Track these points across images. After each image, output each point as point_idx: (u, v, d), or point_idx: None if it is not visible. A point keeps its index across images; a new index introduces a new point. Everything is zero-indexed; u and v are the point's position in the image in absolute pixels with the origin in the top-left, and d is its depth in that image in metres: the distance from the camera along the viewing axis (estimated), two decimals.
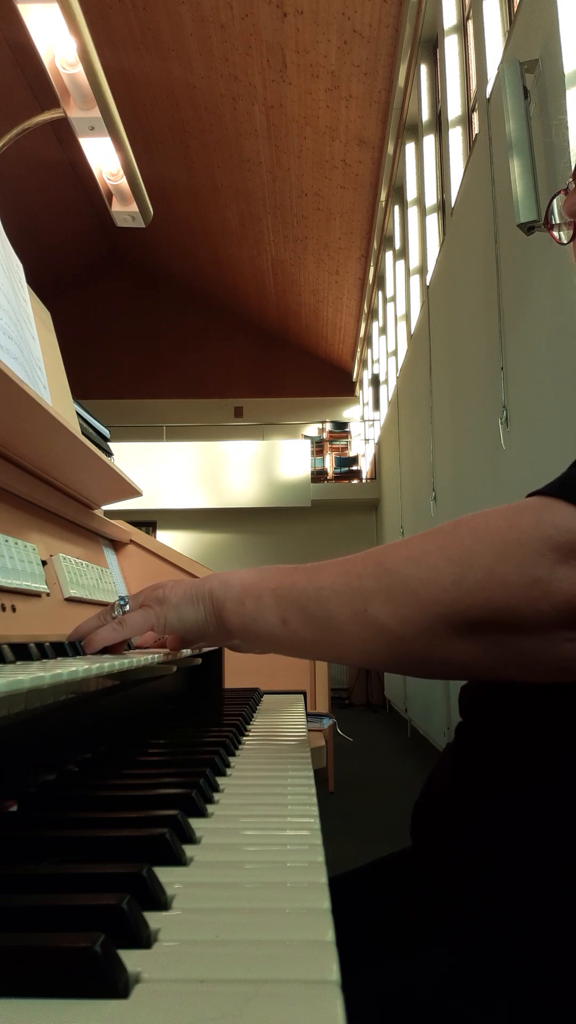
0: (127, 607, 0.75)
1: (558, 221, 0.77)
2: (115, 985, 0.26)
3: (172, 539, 12.61)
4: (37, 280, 2.62)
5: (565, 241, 0.77)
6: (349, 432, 14.81)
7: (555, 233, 0.77)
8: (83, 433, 1.28)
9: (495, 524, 0.53)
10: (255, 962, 0.29)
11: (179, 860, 0.40)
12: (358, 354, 15.22)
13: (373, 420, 13.43)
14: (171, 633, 0.75)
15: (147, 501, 11.59)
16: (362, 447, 14.51)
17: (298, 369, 16.07)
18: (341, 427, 14.87)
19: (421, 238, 8.45)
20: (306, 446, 13.02)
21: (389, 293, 10.98)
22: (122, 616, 0.74)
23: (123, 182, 1.85)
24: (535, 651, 0.53)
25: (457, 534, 0.55)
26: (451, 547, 0.54)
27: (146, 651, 0.84)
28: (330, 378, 16.16)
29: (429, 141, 8.08)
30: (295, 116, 9.66)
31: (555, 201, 0.77)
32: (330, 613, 0.60)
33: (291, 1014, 0.25)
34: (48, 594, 0.87)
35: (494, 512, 0.54)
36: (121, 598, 0.76)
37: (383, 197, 10.40)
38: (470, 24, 6.15)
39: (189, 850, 0.41)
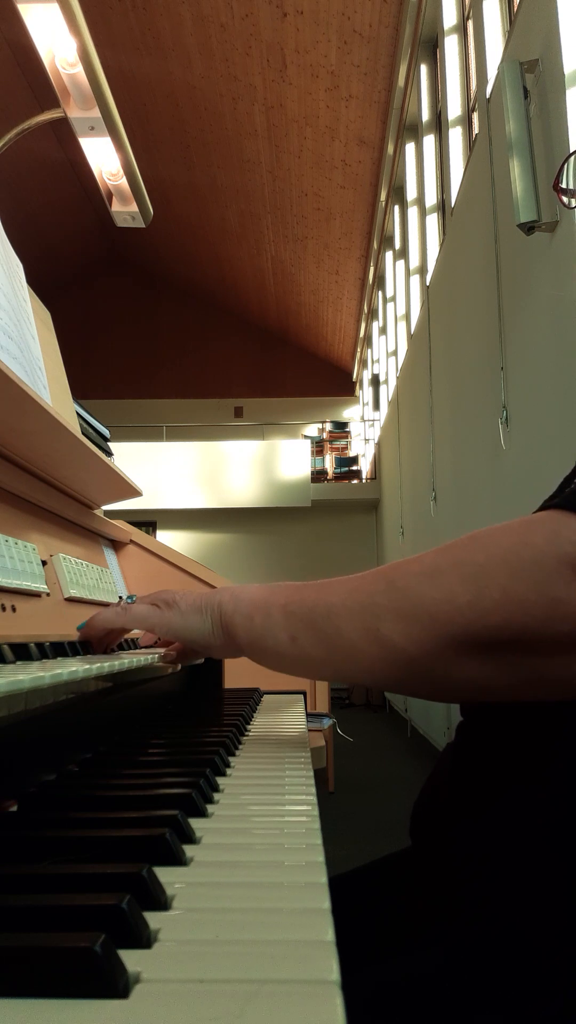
0: (135, 602, 0.76)
1: (571, 186, 0.76)
2: (115, 985, 0.26)
3: (172, 539, 12.61)
4: (37, 280, 2.62)
5: (573, 205, 0.76)
6: (349, 432, 14.81)
7: (564, 198, 0.76)
8: (83, 433, 1.28)
9: (508, 541, 0.52)
10: (255, 962, 0.28)
11: (179, 860, 0.40)
12: (358, 354, 15.23)
13: (373, 420, 13.44)
14: (173, 638, 0.75)
15: (147, 501, 11.59)
16: (362, 447, 14.51)
17: (298, 369, 16.08)
18: (341, 427, 14.87)
19: (421, 238, 8.46)
20: (306, 446, 13.02)
21: (389, 293, 10.98)
22: (128, 604, 0.75)
23: (123, 182, 1.85)
24: (552, 672, 0.52)
25: (470, 551, 0.53)
26: (464, 565, 0.53)
27: (146, 651, 0.84)
28: (330, 378, 16.17)
29: (429, 141, 8.08)
30: (295, 116, 9.66)
31: (571, 161, 0.75)
32: (340, 631, 0.59)
33: (291, 1014, 0.25)
34: (48, 594, 0.87)
35: (507, 528, 0.53)
36: (130, 596, 0.76)
37: (383, 197, 10.40)
38: (470, 24, 6.15)
39: (189, 850, 0.41)
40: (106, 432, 1.70)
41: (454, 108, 6.82)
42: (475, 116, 6.21)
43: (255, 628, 0.66)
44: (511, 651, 0.52)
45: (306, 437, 14.11)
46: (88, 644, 0.82)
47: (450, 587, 0.52)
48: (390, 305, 10.96)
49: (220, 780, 0.58)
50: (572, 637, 0.49)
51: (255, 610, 0.66)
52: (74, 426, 1.05)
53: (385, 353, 11.83)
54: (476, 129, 6.04)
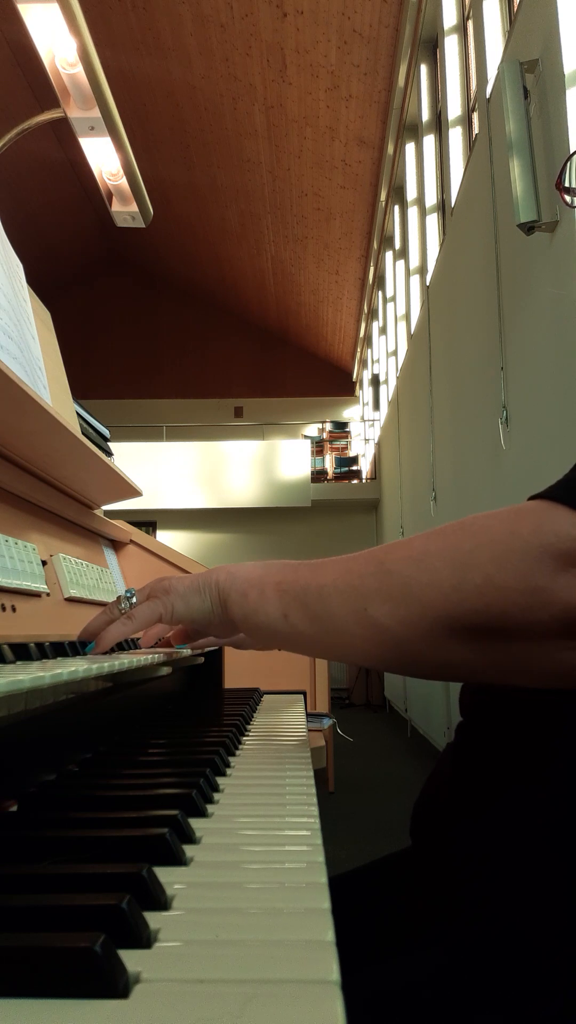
0: (134, 599, 0.75)
1: (574, 185, 0.77)
2: (115, 985, 0.26)
3: (172, 539, 12.61)
4: (37, 280, 2.62)
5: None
6: (349, 432, 14.81)
7: (567, 197, 0.78)
8: (83, 433, 1.28)
9: (496, 529, 0.53)
10: (255, 962, 0.28)
11: (179, 860, 0.39)
12: (358, 354, 15.22)
13: (373, 420, 13.43)
14: (178, 622, 0.76)
15: (147, 501, 11.59)
16: (362, 447, 14.51)
17: (298, 369, 16.07)
18: (341, 427, 14.87)
19: (421, 238, 8.45)
20: (306, 446, 13.02)
21: (389, 293, 10.98)
22: (131, 611, 0.74)
23: (123, 182, 1.85)
24: (534, 658, 0.53)
25: (458, 537, 0.54)
26: (452, 550, 0.54)
27: (146, 651, 0.84)
28: (330, 378, 16.16)
29: (429, 141, 8.08)
30: (295, 116, 9.66)
31: (574, 160, 0.77)
32: (330, 611, 0.60)
33: (291, 1014, 0.25)
34: (48, 594, 0.87)
35: (495, 515, 0.54)
36: (128, 590, 0.76)
37: (383, 197, 10.40)
38: (470, 24, 6.15)
39: (189, 850, 0.41)
40: (106, 432, 1.70)
41: (454, 108, 6.82)
42: (475, 116, 6.21)
43: (248, 604, 0.67)
44: (494, 636, 0.53)
45: (306, 437, 14.10)
46: (88, 644, 0.82)
47: (436, 570, 0.54)
48: (390, 305, 10.95)
49: (220, 780, 0.58)
50: (552, 625, 0.50)
51: (249, 587, 0.67)
52: (74, 426, 1.05)
53: (385, 353, 11.82)
54: (476, 129, 6.04)
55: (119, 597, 0.76)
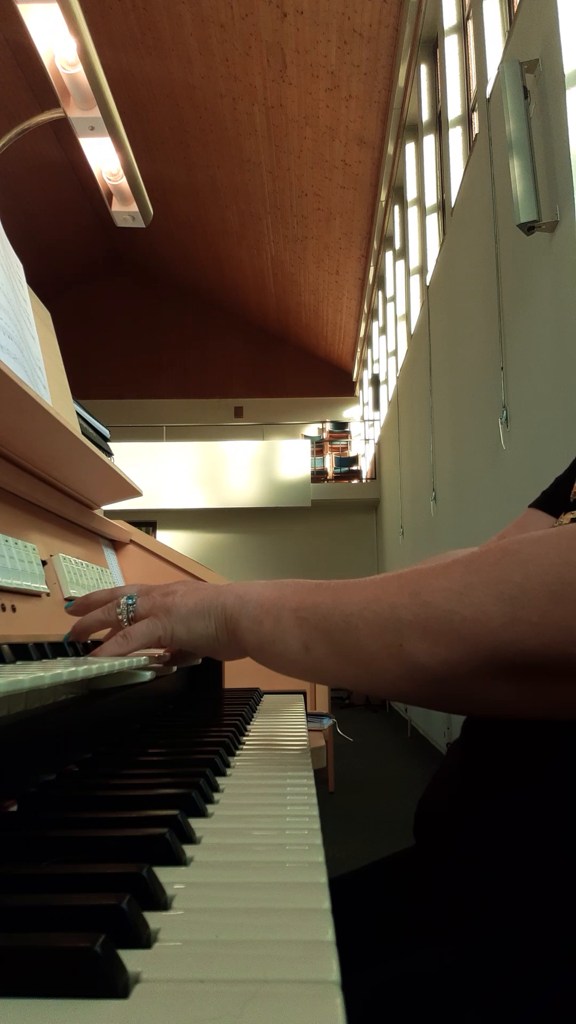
0: (134, 605, 0.72)
1: None
2: (115, 985, 0.26)
3: (172, 539, 12.62)
4: (37, 280, 2.62)
5: None
6: (349, 432, 14.82)
7: None
8: (83, 433, 1.28)
9: (548, 560, 0.48)
10: (255, 962, 0.28)
11: (179, 860, 0.39)
12: (358, 354, 15.23)
13: (373, 420, 13.44)
14: (178, 647, 0.71)
15: (147, 501, 11.60)
16: (362, 447, 14.51)
17: (298, 369, 16.08)
18: (341, 427, 14.88)
19: (421, 238, 8.46)
20: (306, 446, 13.03)
21: (389, 293, 10.99)
22: (128, 628, 0.71)
23: (123, 182, 1.85)
24: None
25: (504, 568, 0.49)
26: (499, 583, 0.49)
27: (147, 651, 0.84)
28: (330, 378, 16.17)
29: (429, 141, 8.08)
30: (295, 116, 9.66)
31: None
32: (359, 644, 0.55)
33: (291, 1014, 0.25)
34: (48, 594, 0.87)
35: (542, 542, 0.49)
36: (129, 597, 0.73)
37: (383, 197, 10.41)
38: (470, 24, 6.15)
39: (189, 850, 0.41)
40: (106, 432, 1.70)
41: (454, 108, 6.82)
42: (475, 116, 6.21)
43: (264, 633, 0.61)
44: (548, 676, 0.48)
45: (306, 437, 14.11)
46: (87, 644, 0.81)
47: (483, 607, 0.49)
48: (390, 305, 10.96)
49: (220, 780, 0.58)
50: None
51: (263, 613, 0.62)
52: (74, 426, 1.06)
53: (385, 353, 11.83)
54: (476, 129, 6.04)
55: (119, 600, 0.74)
